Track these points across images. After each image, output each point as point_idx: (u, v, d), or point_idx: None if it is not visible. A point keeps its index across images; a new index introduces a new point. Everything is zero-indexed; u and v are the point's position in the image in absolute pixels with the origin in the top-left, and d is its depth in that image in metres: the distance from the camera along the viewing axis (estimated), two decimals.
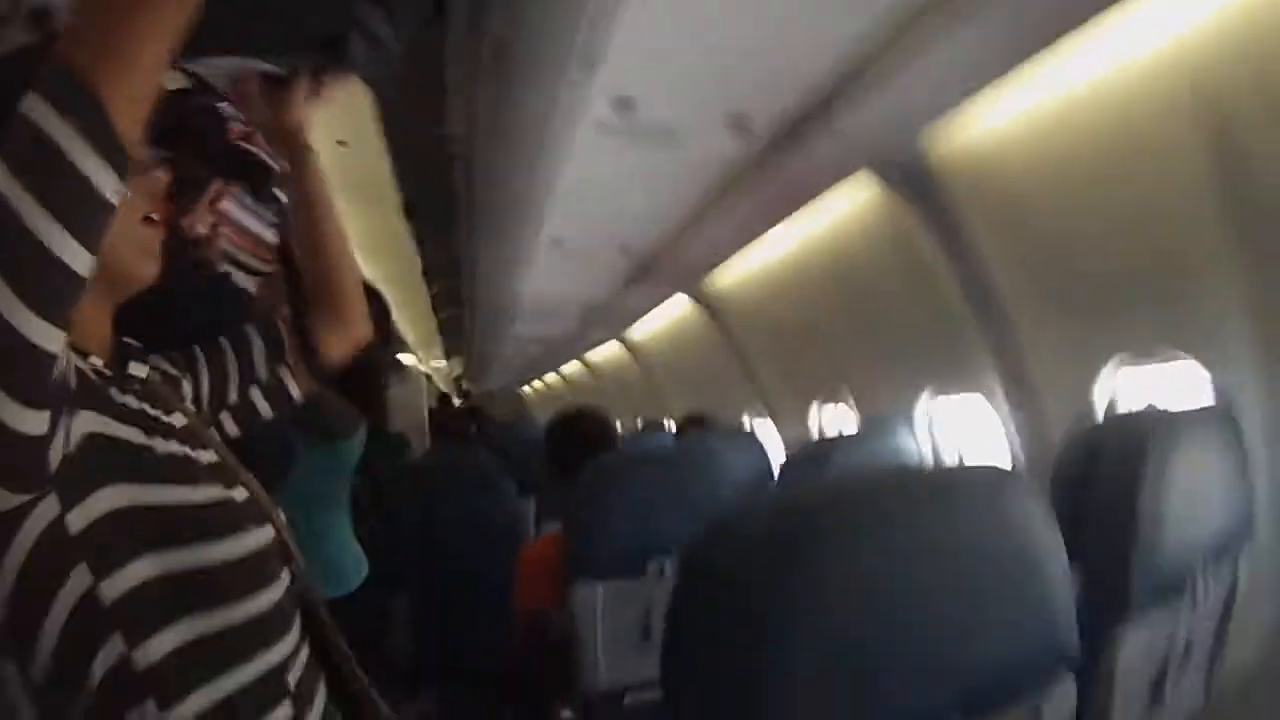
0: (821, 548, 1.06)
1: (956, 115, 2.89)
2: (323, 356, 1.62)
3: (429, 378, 18.21)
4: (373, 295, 3.21)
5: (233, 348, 1.52)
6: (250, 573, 1.15)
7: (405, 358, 14.37)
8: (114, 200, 0.92)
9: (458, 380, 18.39)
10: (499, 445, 6.77)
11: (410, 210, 6.71)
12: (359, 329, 1.70)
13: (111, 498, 1.02)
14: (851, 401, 4.95)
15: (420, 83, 3.53)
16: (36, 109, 0.87)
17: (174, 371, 1.41)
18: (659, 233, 4.77)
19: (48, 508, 0.97)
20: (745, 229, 4.51)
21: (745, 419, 6.77)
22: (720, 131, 3.22)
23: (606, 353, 10.47)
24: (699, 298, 6.47)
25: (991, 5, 2.14)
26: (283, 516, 1.32)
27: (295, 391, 1.60)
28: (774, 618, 1.02)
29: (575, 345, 10.21)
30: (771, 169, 3.46)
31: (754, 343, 6.19)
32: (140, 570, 1.02)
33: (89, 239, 0.90)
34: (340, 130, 5.66)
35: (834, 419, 5.35)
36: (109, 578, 1.00)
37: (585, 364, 12.03)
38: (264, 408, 1.55)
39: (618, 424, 10.85)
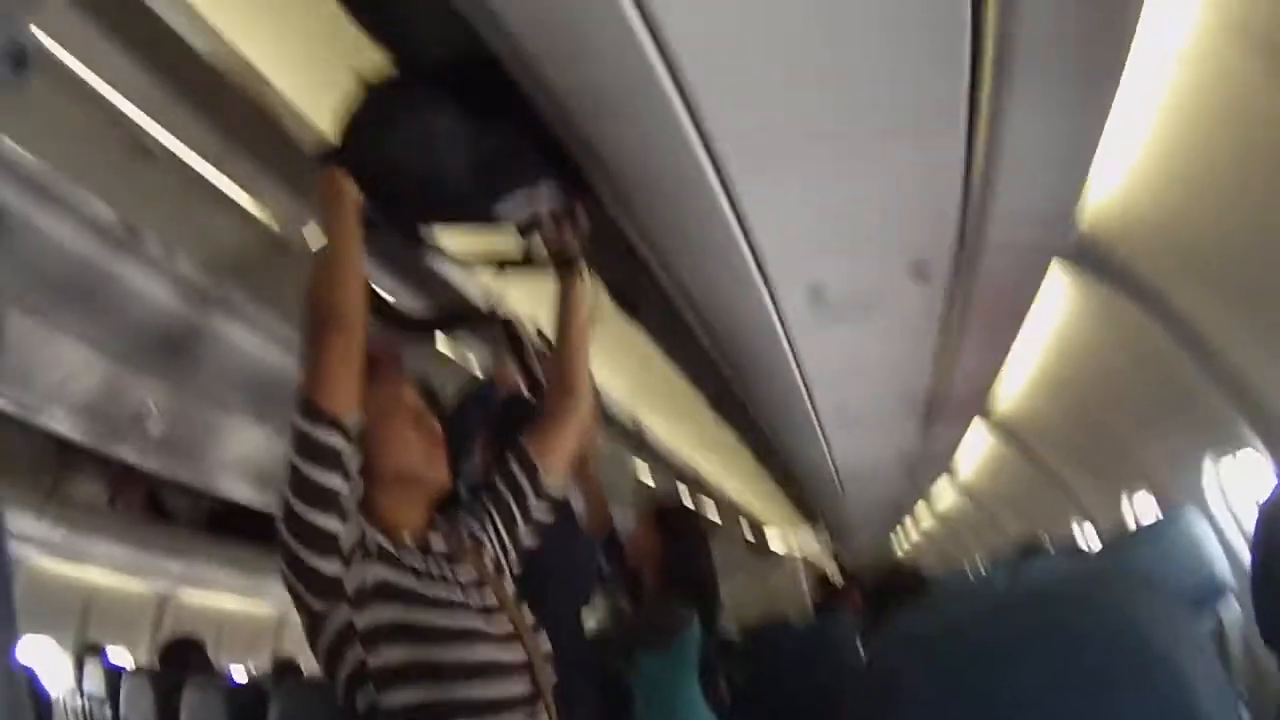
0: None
1: (1101, 185, 2.98)
2: (556, 451, 2.03)
3: (805, 560, 18.28)
4: (682, 509, 3.67)
5: (505, 482, 1.97)
6: (481, 672, 1.57)
7: (774, 541, 14.62)
8: (338, 444, 1.56)
9: (835, 556, 18.26)
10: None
11: (718, 407, 7.14)
12: (583, 401, 2.12)
13: (387, 615, 1.54)
14: (1146, 487, 4.84)
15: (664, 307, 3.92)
16: (293, 419, 1.59)
17: (479, 535, 1.90)
18: (924, 375, 4.93)
19: (342, 614, 1.53)
20: (989, 349, 4.64)
21: (1074, 529, 6.59)
22: (907, 281, 3.46)
23: (950, 501, 10.49)
24: (993, 423, 6.54)
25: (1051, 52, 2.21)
26: (543, 648, 1.73)
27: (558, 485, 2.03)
28: None
29: (916, 496, 10.25)
30: (973, 296, 3.67)
31: (1054, 452, 6.16)
32: (397, 654, 1.52)
33: (336, 467, 1.56)
34: (643, 355, 6.36)
35: (1143, 507, 5.19)
36: (375, 655, 1.52)
37: (936, 516, 11.97)
38: (543, 515, 2.00)
39: (979, 564, 10.67)
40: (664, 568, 3.33)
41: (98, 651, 6.40)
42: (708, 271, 3.21)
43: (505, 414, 2.95)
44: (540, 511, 1.99)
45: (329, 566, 1.52)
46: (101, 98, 3.26)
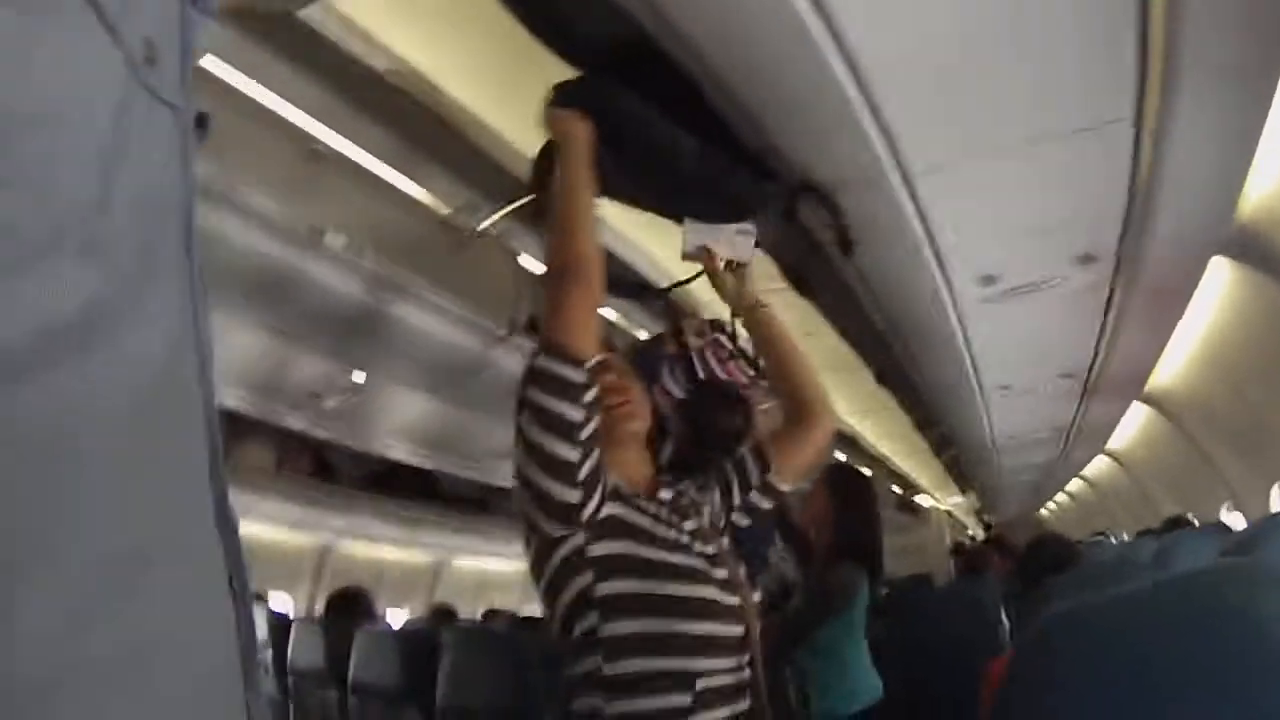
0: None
1: (1260, 178, 2.98)
2: (794, 462, 2.10)
3: (950, 514, 18.11)
4: (856, 474, 3.73)
5: (734, 467, 2.05)
6: (701, 608, 1.63)
7: (922, 499, 14.53)
8: (578, 379, 1.63)
9: (979, 513, 18.07)
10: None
11: (882, 379, 7.22)
12: (827, 423, 2.19)
13: (620, 548, 1.62)
14: None
15: (842, 287, 3.99)
16: (534, 358, 1.68)
17: (697, 497, 1.97)
18: (1086, 355, 4.99)
19: (577, 540, 1.60)
20: (1151, 334, 4.66)
21: (1223, 512, 6.42)
22: (1075, 270, 3.52)
23: (1100, 467, 10.29)
24: (1151, 403, 6.50)
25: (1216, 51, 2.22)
26: (754, 599, 1.81)
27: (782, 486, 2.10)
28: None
29: (1068, 466, 10.09)
30: (1137, 284, 3.69)
31: (1209, 436, 6.09)
32: (625, 585, 1.60)
33: (574, 400, 1.62)
34: (804, 325, 6.43)
35: None
36: (604, 583, 1.59)
37: (1086, 481, 11.71)
38: (761, 503, 2.06)
39: (1124, 535, 10.47)
40: (835, 530, 3.40)
41: (261, 599, 6.75)
42: (886, 259, 3.30)
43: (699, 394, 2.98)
44: (760, 502, 2.06)
45: (566, 493, 1.60)
46: (275, 114, 3.43)
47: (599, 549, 1.61)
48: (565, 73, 2.44)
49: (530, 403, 1.64)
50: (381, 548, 8.41)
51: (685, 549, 1.70)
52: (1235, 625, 1.18)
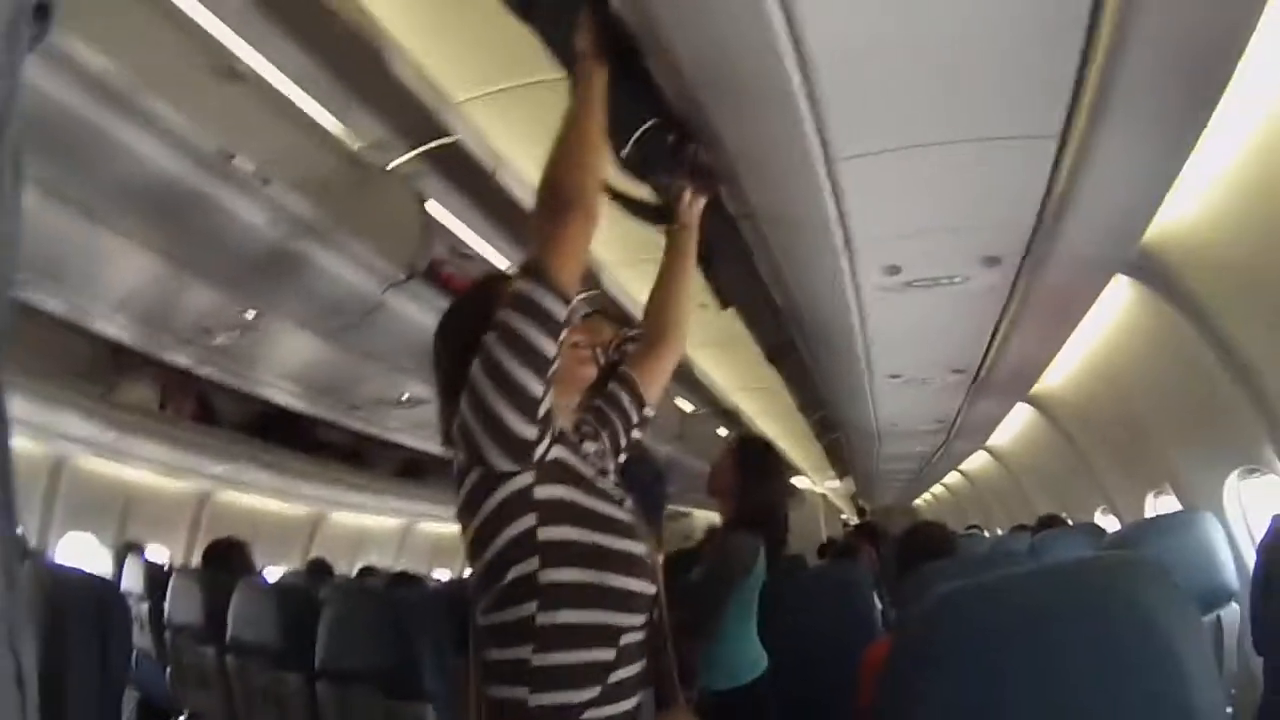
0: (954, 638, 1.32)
1: (1170, 207, 3.07)
2: (656, 387, 2.21)
3: (824, 497, 18.50)
4: (766, 446, 3.78)
5: (611, 407, 2.10)
6: (627, 563, 1.65)
7: (800, 481, 14.78)
8: (561, 316, 1.63)
9: (854, 498, 18.49)
10: (884, 560, 7.21)
11: (772, 358, 7.33)
12: (682, 348, 2.34)
13: (562, 493, 1.63)
14: (1172, 492, 4.94)
15: (743, 263, 4.02)
16: (521, 284, 1.64)
17: (595, 428, 2.01)
18: (978, 353, 5.10)
19: (524, 479, 1.60)
20: (1044, 340, 4.82)
21: (1097, 515, 6.68)
22: (978, 270, 3.60)
23: (979, 462, 10.54)
24: (1036, 405, 6.72)
25: (1149, 91, 2.31)
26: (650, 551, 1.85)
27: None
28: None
29: (948, 459, 10.32)
30: (1036, 291, 3.81)
31: (1089, 442, 6.29)
32: (566, 532, 1.60)
33: (553, 335, 1.61)
34: (699, 296, 6.49)
35: (1166, 509, 5.26)
36: (546, 527, 1.59)
37: (963, 474, 12.03)
38: (638, 436, 2.15)
39: (998, 530, 10.81)
40: (739, 501, 3.52)
41: (137, 549, 6.58)
42: (794, 239, 3.36)
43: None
44: (637, 435, 2.14)
45: (524, 428, 1.58)
46: (195, 23, 3.32)
47: (544, 492, 1.61)
48: (503, 18, 2.42)
49: (508, 328, 1.60)
50: (259, 498, 8.26)
51: (615, 502, 1.72)
52: (1122, 611, 1.26)
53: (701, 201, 2.41)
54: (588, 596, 1.60)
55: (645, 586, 1.69)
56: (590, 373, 1.93)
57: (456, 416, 1.64)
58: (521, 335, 1.58)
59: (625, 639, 1.64)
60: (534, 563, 1.57)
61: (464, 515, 1.65)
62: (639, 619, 1.68)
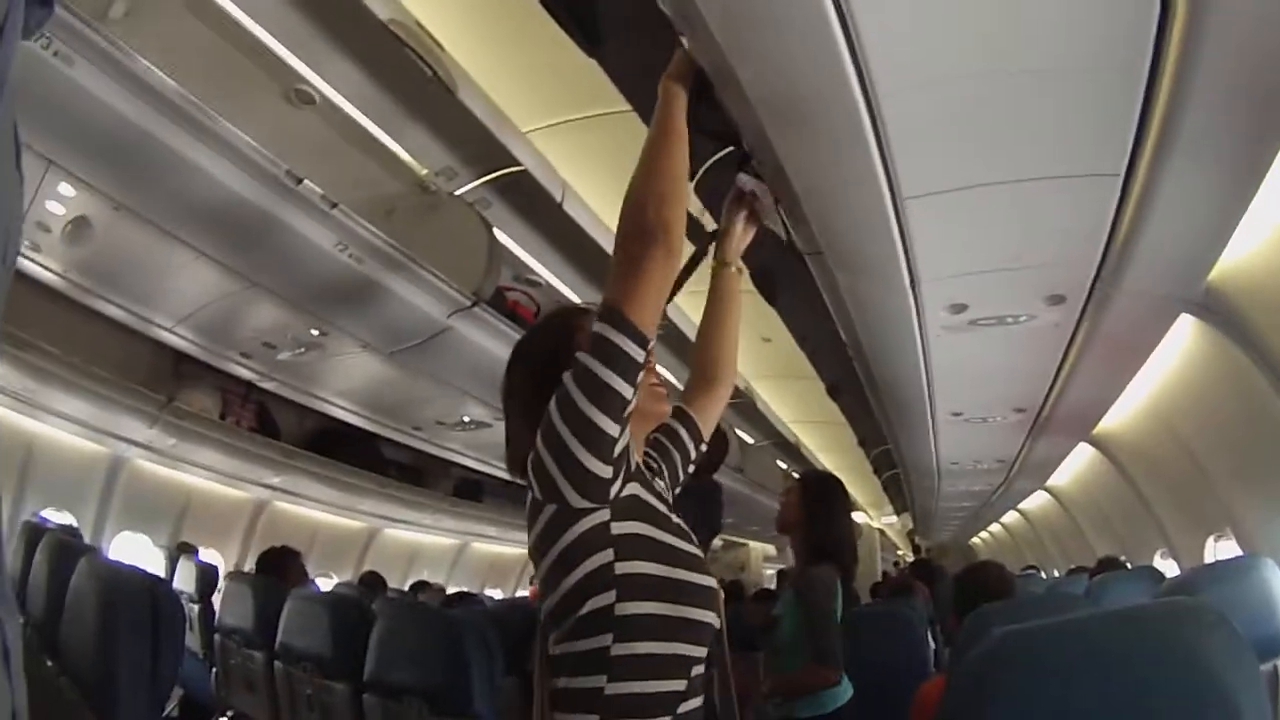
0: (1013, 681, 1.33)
1: (1235, 246, 3.05)
2: (709, 424, 2.22)
3: (882, 533, 18.35)
4: (830, 479, 3.83)
5: (672, 443, 2.13)
6: (700, 596, 1.65)
7: (857, 516, 14.70)
8: (639, 359, 1.61)
9: (910, 534, 18.34)
10: (938, 598, 7.18)
11: (834, 392, 7.34)
12: (731, 385, 2.32)
13: (638, 528, 1.63)
14: (1232, 535, 4.85)
15: (807, 298, 4.04)
16: (599, 326, 1.61)
17: (659, 463, 2.03)
18: (1040, 392, 5.06)
19: (601, 515, 1.60)
20: (1107, 380, 4.79)
21: (1156, 558, 6.57)
22: (1043, 308, 3.60)
23: (1037, 502, 10.43)
24: (1096, 446, 6.64)
25: (1213, 130, 2.32)
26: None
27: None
28: None
29: (1007, 498, 10.23)
30: (1100, 331, 3.80)
31: (1150, 483, 6.21)
32: (642, 566, 1.60)
33: (630, 378, 1.60)
34: (763, 330, 6.54)
35: (1226, 553, 5.17)
36: (623, 561, 1.59)
37: (1021, 514, 11.88)
38: (691, 471, 2.18)
39: (1055, 571, 10.65)
40: (807, 534, 3.59)
41: (191, 551, 6.69)
42: (859, 275, 3.38)
43: None
44: (691, 470, 2.16)
45: (600, 467, 1.58)
46: (260, 42, 3.45)
47: (621, 528, 1.61)
48: (570, 50, 2.47)
49: (585, 370, 1.60)
50: (316, 510, 8.35)
51: (686, 536, 1.72)
52: (1182, 661, 1.27)
53: (749, 237, 2.38)
54: (663, 628, 1.60)
55: (713, 618, 1.68)
56: (667, 409, 1.96)
57: (532, 452, 1.63)
58: (600, 379, 1.58)
59: (695, 669, 1.64)
60: (611, 596, 1.58)
61: (540, 547, 1.66)
62: (705, 650, 1.67)
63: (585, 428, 1.57)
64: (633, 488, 1.67)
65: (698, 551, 1.71)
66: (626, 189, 1.77)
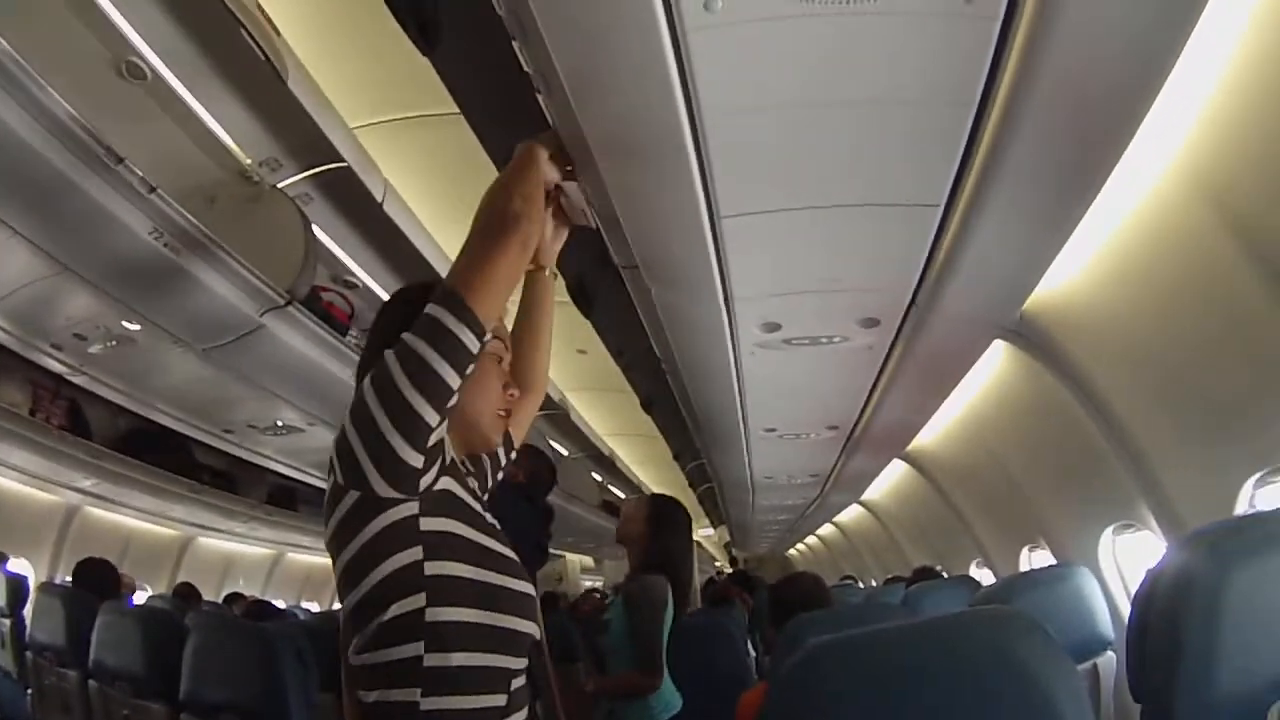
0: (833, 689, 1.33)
1: (1049, 276, 3.16)
2: (522, 431, 2.22)
3: (700, 545, 18.58)
4: (677, 505, 3.85)
5: (489, 459, 2.05)
6: (517, 603, 1.58)
7: None
8: (473, 350, 1.57)
9: (727, 546, 18.65)
10: (756, 608, 7.31)
11: (649, 406, 7.39)
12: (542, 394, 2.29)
13: (450, 525, 1.55)
14: (1046, 546, 5.09)
15: (624, 311, 4.04)
16: (435, 309, 1.55)
17: (471, 469, 1.91)
18: (854, 410, 5.15)
19: (409, 508, 1.51)
20: (920, 400, 4.91)
21: (972, 568, 6.85)
22: (857, 330, 3.65)
23: (853, 514, 10.72)
24: (910, 462, 6.86)
25: (1036, 168, 2.37)
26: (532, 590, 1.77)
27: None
28: None
29: (823, 511, 10.42)
30: (914, 353, 3.88)
31: (964, 497, 6.45)
32: (455, 568, 1.52)
33: (459, 368, 1.55)
34: (578, 342, 6.54)
35: (1041, 563, 5.41)
36: (434, 561, 1.50)
37: (837, 526, 12.18)
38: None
39: (872, 581, 10.98)
40: (647, 553, 3.65)
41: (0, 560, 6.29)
42: (675, 289, 3.35)
43: None
44: (497, 478, 2.10)
45: (409, 455, 1.49)
46: (99, 11, 3.25)
47: (430, 523, 1.52)
48: (405, 50, 2.40)
49: (411, 352, 1.53)
50: (129, 517, 7.98)
51: (501, 537, 1.65)
52: (997, 666, 1.29)
53: (561, 239, 2.32)
54: (479, 637, 1.52)
55: (532, 628, 1.62)
56: (514, 395, 1.88)
57: (338, 431, 1.54)
58: (427, 363, 1.51)
59: (514, 682, 1.57)
60: (420, 599, 1.48)
61: (336, 541, 1.53)
62: (523, 663, 1.60)
63: (403, 412, 1.49)
64: (446, 481, 1.59)
65: (513, 556, 1.64)
66: (487, 191, 1.78)
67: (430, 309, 1.56)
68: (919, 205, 2.64)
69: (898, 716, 1.27)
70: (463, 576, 1.52)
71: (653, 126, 2.20)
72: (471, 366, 1.58)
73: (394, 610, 1.47)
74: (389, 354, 1.53)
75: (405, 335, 1.54)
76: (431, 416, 1.50)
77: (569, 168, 2.25)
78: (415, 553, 1.49)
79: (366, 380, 1.53)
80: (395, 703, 1.47)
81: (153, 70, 3.55)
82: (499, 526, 1.70)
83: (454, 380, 1.53)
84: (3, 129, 2.99)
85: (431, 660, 1.47)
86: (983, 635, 1.34)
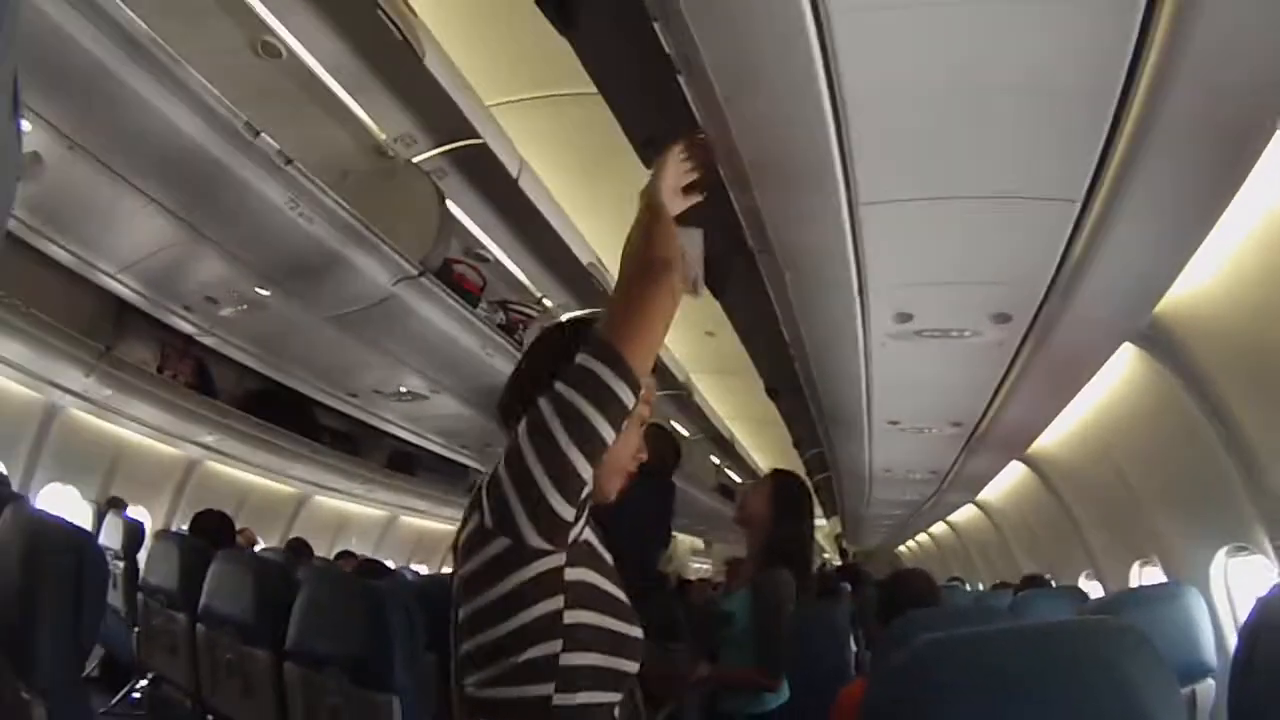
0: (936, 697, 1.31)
1: (1181, 280, 3.09)
2: None
3: None
4: (801, 484, 3.80)
5: None
6: (632, 648, 1.64)
7: None
8: (630, 406, 1.57)
9: (838, 538, 18.48)
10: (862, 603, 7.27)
11: (772, 393, 7.37)
12: None
13: (588, 576, 1.59)
14: (1158, 562, 4.93)
15: (755, 294, 4.04)
16: (591, 362, 1.55)
17: None
18: (979, 407, 5.10)
19: (557, 559, 1.54)
20: (1046, 400, 4.82)
21: (1081, 579, 6.66)
22: (989, 325, 3.62)
23: (966, 515, 10.55)
24: (1029, 464, 6.72)
25: (1176, 165, 2.33)
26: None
27: None
28: None
29: (937, 508, 10.33)
30: (1044, 352, 3.82)
31: (1080, 505, 6.30)
32: (590, 617, 1.56)
33: (615, 424, 1.55)
34: (708, 324, 6.56)
35: (1151, 579, 5.26)
36: (573, 610, 1.54)
37: (949, 525, 12.01)
38: None
39: (980, 584, 10.79)
40: (770, 534, 3.52)
41: (119, 506, 6.58)
42: (809, 275, 3.36)
43: None
44: None
45: (565, 510, 1.51)
46: None
47: (573, 574, 1.56)
48: (542, 29, 2.44)
49: (569, 405, 1.53)
50: (248, 472, 8.26)
51: (622, 585, 1.68)
52: (1102, 678, 1.26)
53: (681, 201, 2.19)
54: (602, 680, 1.58)
55: (635, 667, 1.66)
56: (643, 458, 1.83)
57: (489, 475, 1.58)
58: (583, 417, 1.52)
59: (617, 714, 1.64)
60: (556, 645, 1.53)
61: (477, 581, 1.57)
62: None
63: (560, 468, 1.50)
64: (587, 532, 1.63)
65: (627, 601, 1.68)
66: (627, 239, 1.76)
67: (586, 361, 1.55)
68: (1058, 199, 2.61)
69: (1002, 718, 1.26)
70: (596, 625, 1.57)
71: (795, 111, 2.21)
72: (626, 422, 1.59)
73: (529, 654, 1.52)
74: (545, 405, 1.54)
75: (561, 387, 1.54)
76: (586, 473, 1.52)
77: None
78: (557, 602, 1.53)
79: (523, 429, 1.54)
80: None
81: (288, 49, 3.68)
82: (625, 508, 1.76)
83: (610, 436, 1.54)
84: (143, 105, 3.15)
85: (560, 700, 1.53)
86: (1091, 645, 1.30)
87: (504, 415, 1.74)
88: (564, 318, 1.90)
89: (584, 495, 1.55)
